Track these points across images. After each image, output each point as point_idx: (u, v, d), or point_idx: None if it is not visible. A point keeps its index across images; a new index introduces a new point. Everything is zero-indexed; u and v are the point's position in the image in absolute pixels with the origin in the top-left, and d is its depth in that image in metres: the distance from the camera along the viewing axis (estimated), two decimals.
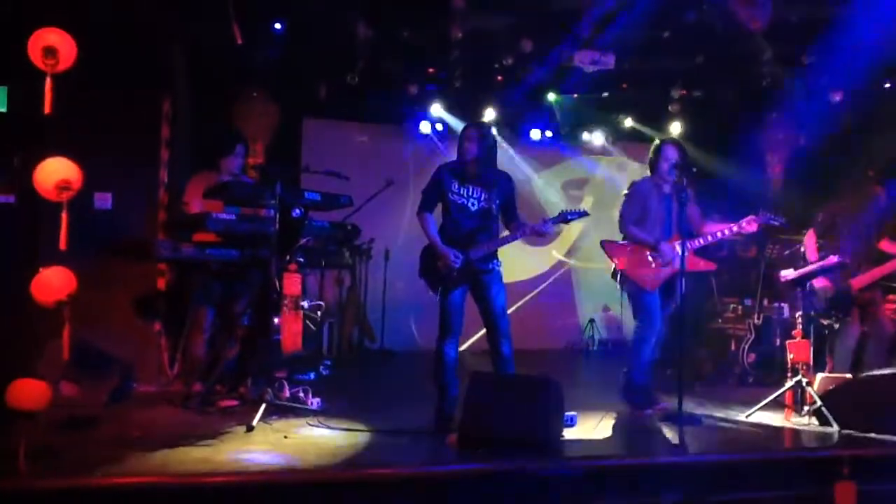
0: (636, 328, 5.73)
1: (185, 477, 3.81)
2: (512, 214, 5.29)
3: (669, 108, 9.31)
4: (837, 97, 8.36)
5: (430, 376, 5.15)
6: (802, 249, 6.37)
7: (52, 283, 4.00)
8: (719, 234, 5.70)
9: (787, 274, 5.93)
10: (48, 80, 4.08)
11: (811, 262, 6.00)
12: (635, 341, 5.71)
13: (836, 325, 6.18)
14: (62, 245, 4.07)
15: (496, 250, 5.18)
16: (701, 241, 5.68)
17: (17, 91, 5.61)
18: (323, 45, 7.82)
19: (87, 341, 5.53)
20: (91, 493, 3.58)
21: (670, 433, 4.98)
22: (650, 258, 5.68)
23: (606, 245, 5.82)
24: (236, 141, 6.02)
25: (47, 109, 4.12)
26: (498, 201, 5.18)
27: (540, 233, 5.17)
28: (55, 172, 4.06)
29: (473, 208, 5.17)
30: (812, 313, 6.13)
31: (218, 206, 5.50)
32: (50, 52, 4.09)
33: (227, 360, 5.53)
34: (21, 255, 5.18)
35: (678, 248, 5.62)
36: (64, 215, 4.08)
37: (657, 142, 5.97)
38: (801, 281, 5.83)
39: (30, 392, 3.86)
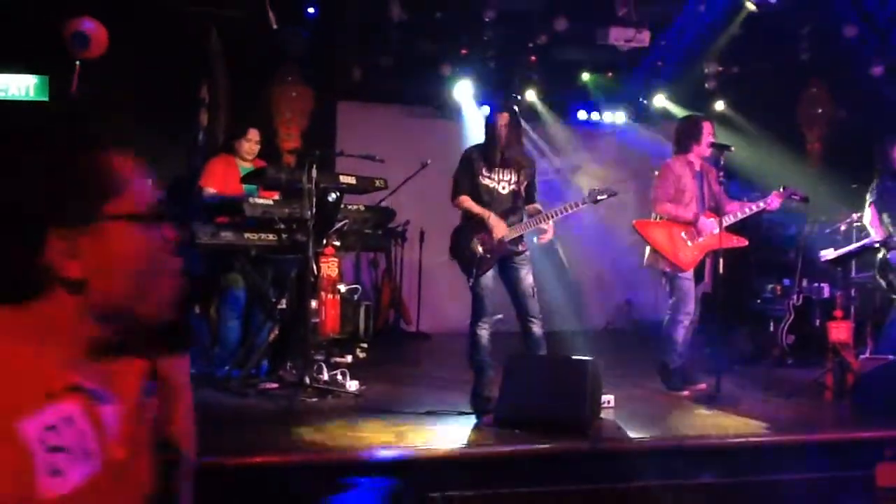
0: (670, 310, 5.69)
1: (226, 458, 3.88)
2: (532, 196, 5.31)
3: (706, 85, 9.18)
4: (878, 70, 8.19)
5: (465, 358, 5.18)
6: (857, 224, 6.18)
7: None
8: (740, 214, 5.65)
9: (827, 254, 5.85)
10: (77, 66, 4.15)
11: (877, 237, 5.82)
12: (668, 323, 5.67)
13: None
14: None
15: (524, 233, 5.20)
16: (731, 217, 5.63)
17: (58, 80, 5.71)
18: (356, 28, 7.83)
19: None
20: None
21: (708, 414, 4.96)
22: (684, 236, 5.62)
23: (639, 225, 5.76)
24: (248, 125, 6.06)
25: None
26: (526, 182, 5.20)
27: (568, 213, 5.16)
28: None
29: (504, 191, 5.17)
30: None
31: (238, 189, 5.57)
32: (79, 37, 4.15)
33: (266, 343, 5.60)
34: None
35: (714, 223, 5.57)
36: None
37: (692, 117, 5.90)
38: (841, 260, 5.75)
39: None
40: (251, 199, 5.40)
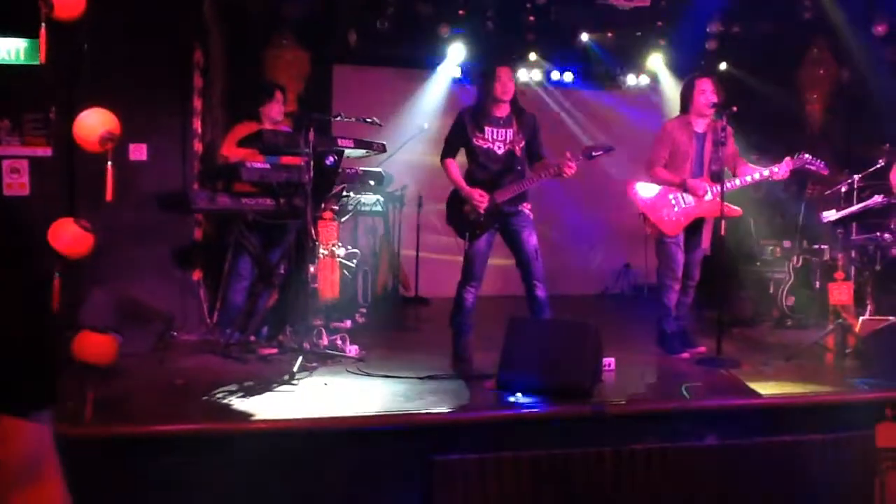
0: (658, 275, 5.67)
1: (228, 423, 3.88)
2: (536, 154, 5.22)
3: (707, 45, 9.06)
4: (881, 29, 8.08)
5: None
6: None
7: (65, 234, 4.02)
8: (749, 179, 5.56)
9: (829, 215, 5.81)
10: (42, 28, 4.06)
11: None
12: (659, 288, 5.65)
13: None
14: (108, 196, 4.10)
15: (525, 192, 5.14)
16: (732, 184, 5.53)
17: (51, 44, 5.59)
18: None
19: (126, 292, 5.61)
20: (136, 441, 3.66)
21: (709, 376, 4.96)
22: (672, 201, 5.55)
23: (629, 186, 5.71)
24: (274, 87, 6.04)
25: (42, 58, 4.11)
26: (523, 142, 5.13)
27: (563, 172, 5.00)
28: (99, 124, 4.05)
29: (500, 151, 5.12)
30: None
31: (259, 156, 5.51)
32: None
33: (266, 308, 5.58)
34: (59, 209, 5.22)
35: (707, 186, 5.50)
36: (109, 167, 4.10)
37: (690, 76, 5.82)
38: (842, 221, 5.72)
39: (98, 345, 3.91)
40: (248, 164, 5.35)
